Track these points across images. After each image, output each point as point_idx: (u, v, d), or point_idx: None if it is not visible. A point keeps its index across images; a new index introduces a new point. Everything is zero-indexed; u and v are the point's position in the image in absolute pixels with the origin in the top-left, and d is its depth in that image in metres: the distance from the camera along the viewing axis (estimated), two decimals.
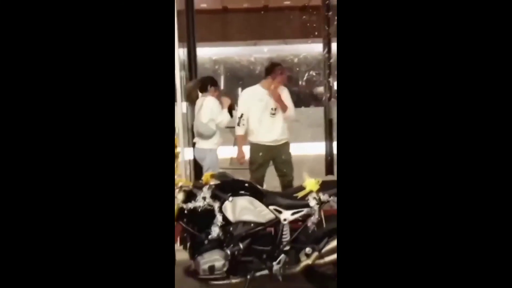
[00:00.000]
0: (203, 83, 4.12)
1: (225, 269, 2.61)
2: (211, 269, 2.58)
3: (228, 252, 2.63)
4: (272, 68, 3.88)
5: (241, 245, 2.66)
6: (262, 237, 2.72)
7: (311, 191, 2.72)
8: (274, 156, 3.90)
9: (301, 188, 2.79)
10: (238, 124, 3.85)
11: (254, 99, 3.84)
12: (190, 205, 2.59)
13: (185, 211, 2.61)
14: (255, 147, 3.90)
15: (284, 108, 3.82)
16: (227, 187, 2.70)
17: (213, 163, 3.94)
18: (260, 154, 3.87)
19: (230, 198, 2.62)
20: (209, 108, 3.90)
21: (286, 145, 3.95)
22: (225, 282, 2.69)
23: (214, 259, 2.59)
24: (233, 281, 2.70)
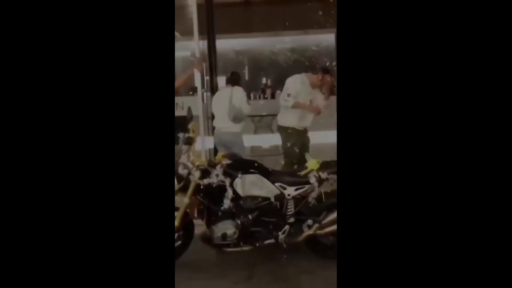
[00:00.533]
0: (235, 76, 4.59)
1: (236, 236, 3.00)
2: (224, 236, 2.98)
3: (239, 222, 3.02)
4: (327, 71, 4.38)
5: (250, 217, 3.04)
6: (268, 210, 3.09)
7: (312, 170, 3.08)
8: (301, 139, 4.40)
9: (304, 167, 3.15)
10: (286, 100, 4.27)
11: (301, 86, 4.29)
12: (205, 181, 2.98)
13: (201, 187, 3.01)
14: (287, 130, 4.37)
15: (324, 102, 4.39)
16: (237, 165, 3.08)
17: (241, 148, 4.39)
18: (292, 138, 4.35)
19: (240, 175, 3.00)
20: (240, 96, 4.37)
21: (306, 131, 4.49)
22: (236, 249, 3.09)
23: (226, 227, 2.99)
24: (244, 248, 3.10)
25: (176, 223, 2.98)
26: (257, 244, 3.09)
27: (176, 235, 3.04)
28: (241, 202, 3.05)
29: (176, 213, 2.98)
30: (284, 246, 3.08)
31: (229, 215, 3.04)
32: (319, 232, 3.11)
